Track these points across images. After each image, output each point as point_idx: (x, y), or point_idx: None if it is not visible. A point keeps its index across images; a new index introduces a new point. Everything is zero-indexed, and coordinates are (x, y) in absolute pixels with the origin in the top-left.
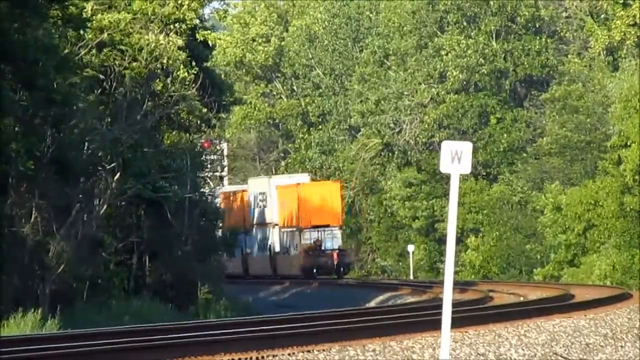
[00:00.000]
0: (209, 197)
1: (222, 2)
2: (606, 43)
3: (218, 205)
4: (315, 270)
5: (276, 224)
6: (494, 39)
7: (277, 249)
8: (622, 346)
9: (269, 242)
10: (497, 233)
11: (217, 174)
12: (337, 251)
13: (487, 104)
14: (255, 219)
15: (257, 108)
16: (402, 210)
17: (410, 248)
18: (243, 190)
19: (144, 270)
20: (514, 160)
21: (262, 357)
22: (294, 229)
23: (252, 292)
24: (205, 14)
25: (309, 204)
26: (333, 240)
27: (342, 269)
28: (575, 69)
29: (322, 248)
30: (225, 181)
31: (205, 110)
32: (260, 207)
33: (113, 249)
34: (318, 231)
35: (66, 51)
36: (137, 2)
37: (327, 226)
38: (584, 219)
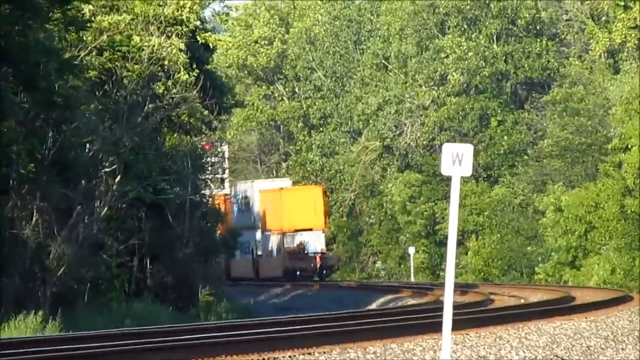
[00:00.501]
0: (209, 200)
1: (222, 5)
2: (607, 45)
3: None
4: (298, 273)
5: (259, 228)
6: (495, 41)
7: (260, 252)
8: (622, 349)
9: (252, 246)
10: (498, 235)
11: (218, 176)
12: (320, 254)
13: (488, 106)
14: (238, 223)
15: (258, 110)
16: (402, 215)
17: (411, 250)
18: (226, 195)
19: (145, 272)
20: (515, 163)
21: None
22: (277, 233)
23: (252, 294)
24: (206, 16)
25: (292, 207)
26: (316, 243)
27: (324, 271)
28: (576, 72)
29: (305, 251)
30: (227, 183)
31: (206, 112)
32: (243, 211)
33: (114, 251)
34: (301, 234)
35: (67, 54)
36: (138, 4)
37: (310, 230)
38: (585, 221)
